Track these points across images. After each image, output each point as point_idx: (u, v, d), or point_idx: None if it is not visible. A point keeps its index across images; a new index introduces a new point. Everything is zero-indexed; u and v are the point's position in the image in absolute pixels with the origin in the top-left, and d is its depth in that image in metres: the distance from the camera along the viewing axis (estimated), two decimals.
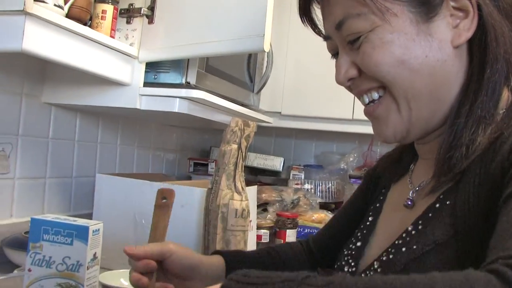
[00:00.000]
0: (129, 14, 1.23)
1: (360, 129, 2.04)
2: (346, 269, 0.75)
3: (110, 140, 1.64)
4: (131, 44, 1.22)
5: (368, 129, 0.75)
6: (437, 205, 0.64)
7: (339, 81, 0.70)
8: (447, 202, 0.63)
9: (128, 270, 0.76)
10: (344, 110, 2.04)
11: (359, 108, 0.76)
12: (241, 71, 1.70)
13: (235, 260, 0.84)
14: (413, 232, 0.64)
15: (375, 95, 0.68)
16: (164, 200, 0.79)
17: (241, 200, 1.08)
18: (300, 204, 1.84)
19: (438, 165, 0.64)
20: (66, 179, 1.46)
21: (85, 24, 1.10)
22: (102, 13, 1.15)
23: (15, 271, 1.06)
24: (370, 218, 0.79)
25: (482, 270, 0.44)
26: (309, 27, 0.75)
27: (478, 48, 0.64)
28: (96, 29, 1.14)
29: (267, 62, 1.79)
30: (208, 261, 0.82)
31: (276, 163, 2.34)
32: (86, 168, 1.52)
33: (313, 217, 1.81)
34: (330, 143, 2.53)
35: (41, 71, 1.31)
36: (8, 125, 1.24)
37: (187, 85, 1.29)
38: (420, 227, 0.64)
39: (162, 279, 0.77)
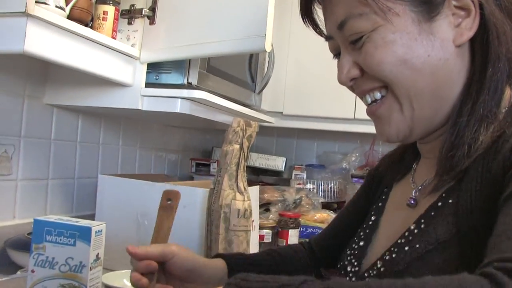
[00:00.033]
0: (130, 15, 1.23)
1: (362, 129, 2.04)
2: (349, 269, 0.75)
3: (112, 141, 1.64)
4: (132, 45, 1.22)
5: (370, 129, 0.74)
6: (440, 204, 0.64)
7: (341, 81, 0.70)
8: (450, 201, 0.63)
9: (131, 271, 0.76)
10: (346, 109, 2.04)
11: (361, 107, 0.76)
12: (242, 71, 1.70)
13: (237, 263, 0.84)
14: (416, 231, 0.64)
15: (378, 95, 0.68)
16: (169, 202, 0.79)
17: (243, 200, 1.08)
18: (302, 204, 1.84)
19: (440, 164, 0.64)
20: (69, 180, 1.46)
21: (86, 25, 1.10)
22: (103, 14, 1.15)
23: (19, 272, 1.07)
24: (372, 218, 0.79)
25: (476, 273, 0.44)
26: (311, 27, 0.75)
27: (480, 47, 0.64)
28: (97, 30, 1.14)
29: (268, 62, 1.79)
30: (210, 264, 0.81)
31: (278, 163, 2.34)
32: (88, 169, 1.52)
33: (315, 217, 1.81)
34: (332, 143, 2.53)
35: (43, 72, 1.32)
36: (10, 126, 1.24)
37: (189, 86, 1.29)
38: (422, 226, 0.64)
39: (162, 280, 0.76)
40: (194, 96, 1.25)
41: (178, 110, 1.25)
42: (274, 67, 1.78)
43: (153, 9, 1.23)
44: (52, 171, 1.38)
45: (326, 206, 2.04)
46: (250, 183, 1.19)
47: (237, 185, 1.08)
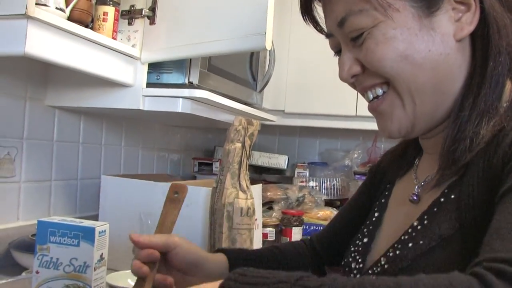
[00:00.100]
0: (130, 15, 1.23)
1: (364, 126, 2.04)
2: (353, 266, 0.75)
3: (114, 142, 1.64)
4: (133, 46, 1.22)
5: (372, 125, 0.74)
6: (442, 200, 0.64)
7: (342, 78, 0.70)
8: (452, 196, 0.63)
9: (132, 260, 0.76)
10: (348, 106, 2.03)
11: (363, 104, 0.76)
12: (243, 70, 1.70)
13: (238, 258, 0.84)
14: (419, 227, 0.64)
15: (379, 91, 0.68)
16: (176, 195, 0.79)
17: (246, 199, 1.08)
18: (305, 201, 1.84)
19: (442, 158, 0.64)
20: (72, 181, 1.46)
21: (86, 27, 1.10)
22: (103, 15, 1.15)
23: (23, 274, 1.07)
24: (376, 214, 0.79)
25: (467, 272, 0.45)
26: (311, 25, 0.75)
27: (481, 41, 0.64)
28: (98, 31, 1.14)
29: (269, 60, 1.79)
30: (212, 258, 0.81)
31: (280, 161, 2.34)
32: (91, 170, 1.53)
33: (319, 214, 1.81)
34: (334, 140, 2.53)
35: (44, 74, 1.32)
36: (12, 129, 1.24)
37: (190, 85, 1.29)
38: (425, 222, 0.64)
39: (163, 271, 0.76)
40: (196, 96, 1.25)
41: (179, 110, 1.25)
42: (275, 65, 1.78)
43: (153, 9, 1.23)
44: (55, 173, 1.39)
45: (329, 203, 2.04)
46: (253, 181, 1.19)
47: (239, 183, 1.09)
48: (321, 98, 2.09)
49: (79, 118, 1.47)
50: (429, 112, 0.66)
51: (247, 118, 1.10)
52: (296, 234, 1.63)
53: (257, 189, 1.38)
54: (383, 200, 0.80)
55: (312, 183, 2.15)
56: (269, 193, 1.85)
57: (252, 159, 2.33)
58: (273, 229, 1.60)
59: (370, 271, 0.70)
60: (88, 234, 0.83)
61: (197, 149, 2.26)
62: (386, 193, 0.81)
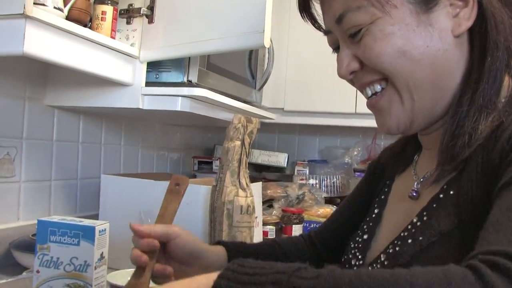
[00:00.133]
0: (129, 14, 1.23)
1: (363, 123, 2.04)
2: (353, 262, 0.76)
3: (114, 141, 1.64)
4: (131, 45, 1.22)
5: (372, 123, 0.74)
6: (441, 196, 0.64)
7: (341, 75, 0.70)
8: (451, 192, 0.63)
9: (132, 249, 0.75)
10: (347, 104, 2.03)
11: (362, 101, 0.76)
12: (242, 68, 1.70)
13: (237, 250, 0.84)
14: (419, 223, 0.65)
15: (378, 87, 0.68)
16: (177, 187, 0.79)
17: (246, 197, 1.08)
18: (306, 199, 1.84)
19: (441, 154, 0.65)
20: (71, 180, 1.46)
21: (85, 26, 1.10)
22: (102, 14, 1.15)
23: (24, 273, 1.07)
24: (375, 210, 0.79)
25: (462, 265, 0.45)
26: (309, 22, 0.75)
27: (479, 37, 0.64)
28: (96, 30, 1.14)
29: (268, 58, 1.78)
30: (211, 250, 0.81)
31: (280, 159, 2.34)
32: (91, 170, 1.53)
33: (319, 212, 1.81)
34: (333, 138, 2.53)
35: (43, 74, 1.32)
36: (12, 129, 1.24)
37: (189, 84, 1.29)
38: (425, 218, 0.64)
39: (162, 261, 0.76)
40: (195, 94, 1.26)
41: (178, 108, 1.25)
42: (274, 63, 1.78)
43: (151, 8, 1.23)
44: (55, 172, 1.39)
45: (329, 201, 2.04)
46: (253, 179, 1.19)
47: (239, 181, 1.09)
48: (321, 95, 2.09)
49: (78, 117, 1.47)
50: (427, 108, 0.66)
51: (246, 116, 1.11)
52: (296, 232, 1.63)
53: (257, 187, 1.38)
54: (382, 197, 0.80)
55: (312, 181, 2.15)
56: (269, 191, 1.85)
57: (252, 157, 2.33)
58: (273, 227, 1.60)
59: (369, 268, 0.70)
60: (88, 233, 0.83)
61: (197, 148, 2.26)
62: (386, 189, 0.81)
